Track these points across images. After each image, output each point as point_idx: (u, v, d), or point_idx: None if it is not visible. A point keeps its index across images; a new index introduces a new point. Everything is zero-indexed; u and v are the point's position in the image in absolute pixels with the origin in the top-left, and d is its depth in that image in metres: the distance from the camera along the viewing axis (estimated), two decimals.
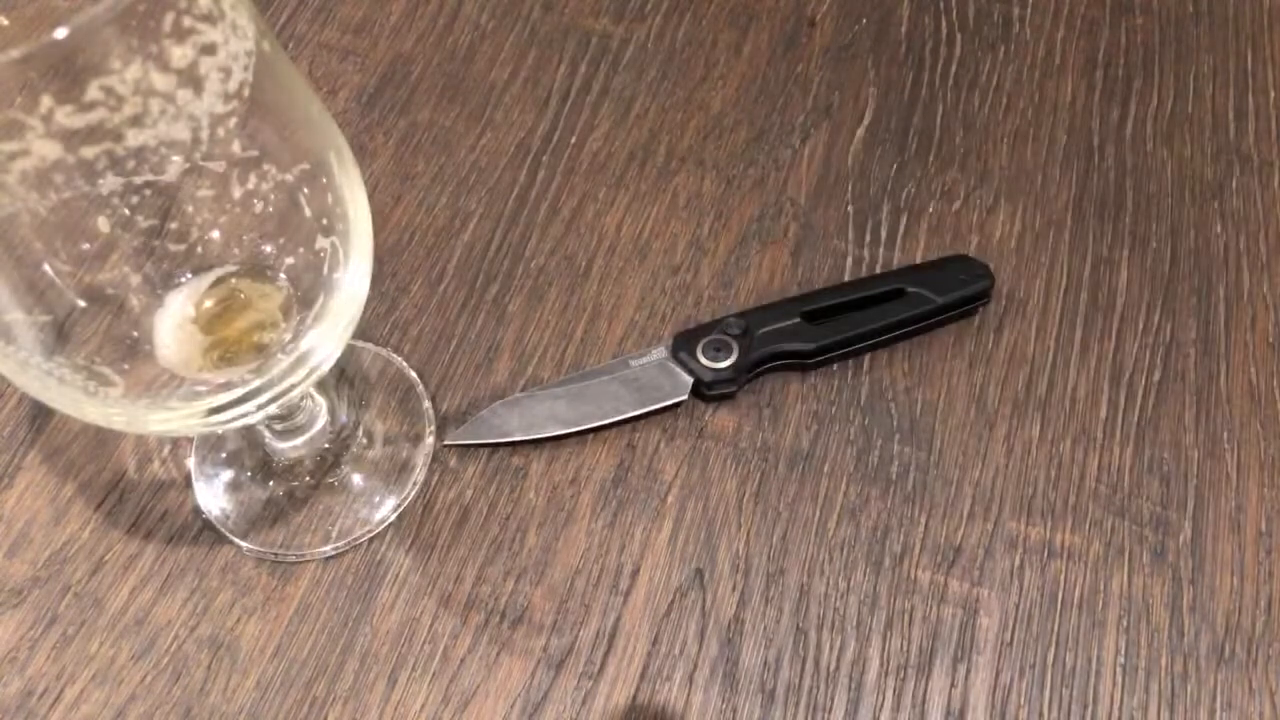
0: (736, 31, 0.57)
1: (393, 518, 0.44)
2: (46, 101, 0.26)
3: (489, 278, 0.50)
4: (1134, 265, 0.50)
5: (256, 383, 0.33)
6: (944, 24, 0.57)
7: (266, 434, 0.44)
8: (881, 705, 0.40)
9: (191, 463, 0.45)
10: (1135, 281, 0.50)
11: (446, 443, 0.45)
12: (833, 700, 0.41)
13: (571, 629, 0.42)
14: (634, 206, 0.52)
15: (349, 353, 0.48)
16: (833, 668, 0.41)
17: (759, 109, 0.55)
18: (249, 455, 0.45)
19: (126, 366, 0.33)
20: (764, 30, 0.57)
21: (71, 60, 0.25)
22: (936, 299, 0.47)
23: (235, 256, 0.35)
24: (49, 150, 0.27)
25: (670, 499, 0.44)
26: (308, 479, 0.44)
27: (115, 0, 0.25)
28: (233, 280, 0.35)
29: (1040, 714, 0.40)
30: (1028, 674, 0.41)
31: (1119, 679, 0.41)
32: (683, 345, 0.46)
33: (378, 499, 0.44)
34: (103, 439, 0.45)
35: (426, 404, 0.46)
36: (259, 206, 0.32)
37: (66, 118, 0.26)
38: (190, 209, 0.32)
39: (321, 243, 0.34)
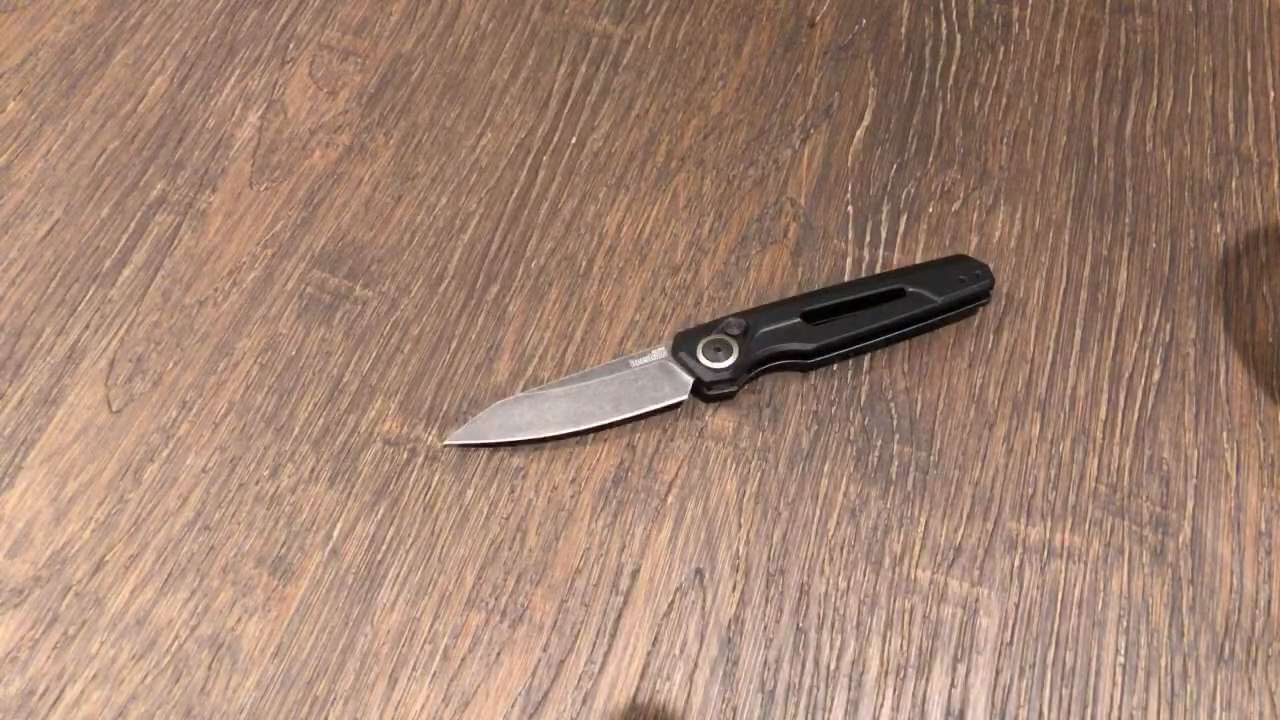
0: (736, 31, 0.57)
1: None
2: None
3: (489, 278, 0.50)
4: (1134, 265, 0.50)
5: None
6: (944, 24, 0.57)
7: None
8: (881, 705, 0.40)
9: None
10: (1135, 281, 0.50)
11: (446, 443, 0.45)
12: (833, 700, 0.41)
13: (571, 629, 0.42)
14: (634, 206, 0.52)
15: None
16: (833, 668, 0.41)
17: (759, 109, 0.55)
18: None
19: None
20: (764, 30, 0.57)
21: None
22: (936, 299, 0.47)
23: None
24: None
25: (670, 499, 0.44)
26: None
27: None
28: None
29: (1040, 714, 0.40)
30: (1028, 674, 0.41)
31: (1119, 679, 0.41)
32: (683, 345, 0.46)
33: None
34: (103, 438, 0.45)
35: None
36: None
37: None
38: None
39: None
